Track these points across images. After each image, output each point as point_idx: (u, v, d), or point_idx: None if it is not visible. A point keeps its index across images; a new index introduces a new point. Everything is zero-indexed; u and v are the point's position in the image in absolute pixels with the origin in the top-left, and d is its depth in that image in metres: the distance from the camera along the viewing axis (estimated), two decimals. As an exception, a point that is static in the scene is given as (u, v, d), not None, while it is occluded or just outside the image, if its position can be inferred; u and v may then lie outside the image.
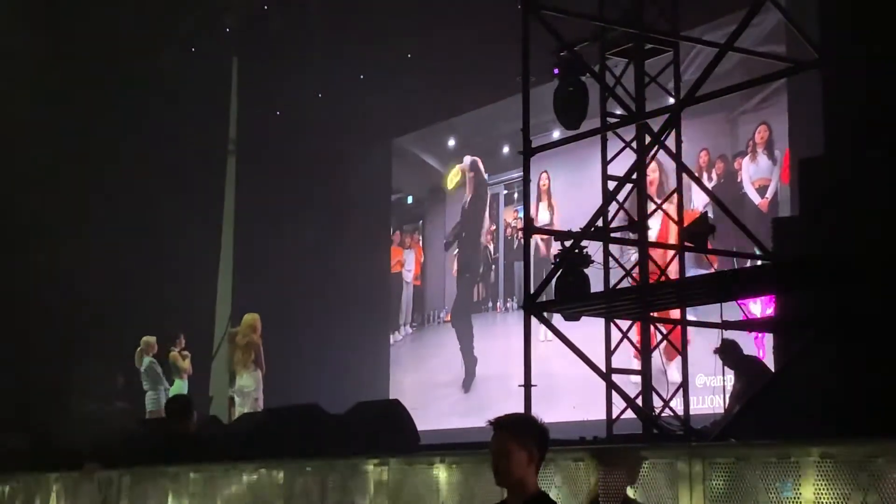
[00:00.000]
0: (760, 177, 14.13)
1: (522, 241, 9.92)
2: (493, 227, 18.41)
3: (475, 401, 17.41)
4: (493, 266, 18.30)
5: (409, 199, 20.17)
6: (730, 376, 10.54)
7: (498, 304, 18.14)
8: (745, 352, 10.56)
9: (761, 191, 14.06)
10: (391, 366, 19.52)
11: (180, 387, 14.68)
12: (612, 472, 5.46)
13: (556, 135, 11.65)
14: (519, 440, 4.69)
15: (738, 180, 14.35)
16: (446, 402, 17.91)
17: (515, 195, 17.73)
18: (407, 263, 19.94)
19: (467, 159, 18.82)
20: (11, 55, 16.50)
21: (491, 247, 18.34)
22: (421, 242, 19.77)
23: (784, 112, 13.75)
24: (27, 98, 16.54)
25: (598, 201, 9.57)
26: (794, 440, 4.89)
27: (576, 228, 9.42)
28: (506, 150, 17.81)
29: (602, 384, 9.37)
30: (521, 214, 16.92)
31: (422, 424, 10.08)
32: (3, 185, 16.60)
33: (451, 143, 19.29)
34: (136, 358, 14.82)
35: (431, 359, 19.00)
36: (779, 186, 13.82)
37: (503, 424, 4.77)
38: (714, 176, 14.45)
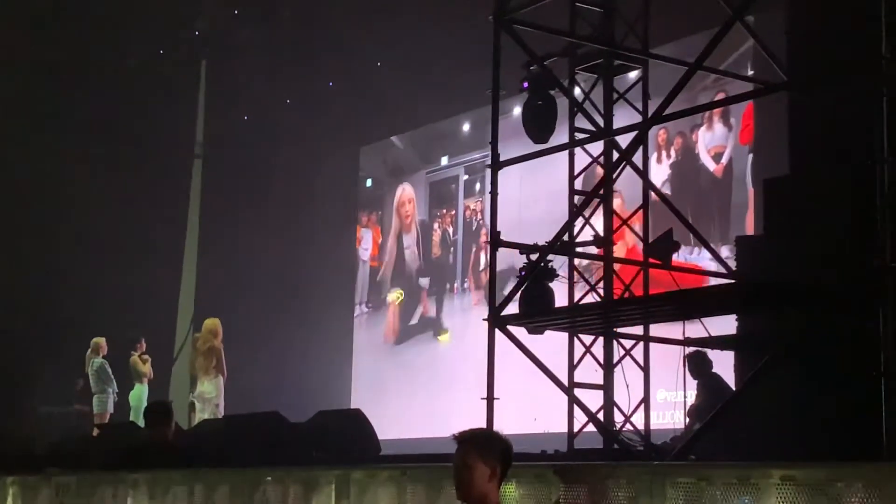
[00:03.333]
0: (716, 144, 14.41)
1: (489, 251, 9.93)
2: (453, 213, 18.54)
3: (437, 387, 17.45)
4: (452, 248, 18.44)
5: (369, 183, 20.27)
6: (691, 391, 10.61)
7: (455, 285, 18.27)
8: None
9: (716, 157, 14.31)
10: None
11: (140, 391, 14.60)
12: (574, 489, 5.47)
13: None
14: (482, 455, 4.70)
15: (696, 152, 14.59)
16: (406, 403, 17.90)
17: (477, 185, 17.88)
18: (364, 242, 20.04)
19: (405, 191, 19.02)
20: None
21: (450, 229, 18.49)
22: (379, 224, 19.85)
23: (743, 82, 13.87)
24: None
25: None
26: (755, 462, 4.92)
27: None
28: (466, 127, 17.98)
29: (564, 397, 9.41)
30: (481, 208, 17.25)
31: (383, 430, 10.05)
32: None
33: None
34: (87, 359, 14.70)
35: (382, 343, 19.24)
36: (735, 150, 14.00)
37: (467, 439, 4.77)
38: (672, 153, 14.66)
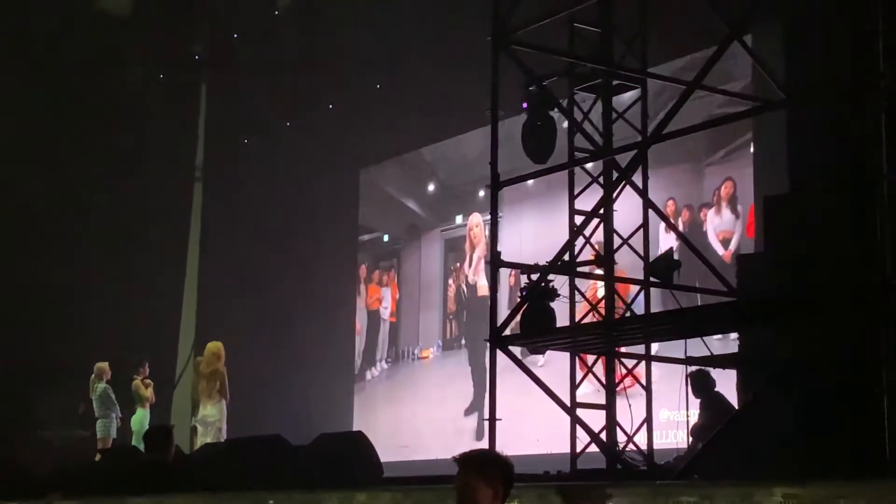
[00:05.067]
0: (724, 229, 14.26)
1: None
2: (468, 266, 18.37)
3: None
4: (467, 305, 18.24)
5: (386, 238, 20.18)
6: (694, 411, 10.59)
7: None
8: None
9: (725, 243, 14.18)
10: (365, 402, 19.36)
11: (143, 415, 14.55)
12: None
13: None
14: (485, 476, 4.68)
15: (704, 229, 14.46)
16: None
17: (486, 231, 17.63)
18: (384, 301, 19.96)
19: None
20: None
21: (464, 286, 18.34)
22: (397, 280, 19.77)
23: (749, 167, 13.90)
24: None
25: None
26: (757, 480, 4.92)
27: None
28: (481, 193, 17.84)
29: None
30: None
31: (385, 452, 10.03)
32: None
33: (431, 187, 19.31)
34: (91, 384, 14.67)
35: (405, 396, 19.00)
36: (742, 240, 13.94)
37: (469, 460, 4.76)
38: (680, 224, 14.53)
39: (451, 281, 18.70)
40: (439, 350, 18.71)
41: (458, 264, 18.55)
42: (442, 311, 18.83)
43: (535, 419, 13.04)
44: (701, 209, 14.56)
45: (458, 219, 18.59)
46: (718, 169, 14.46)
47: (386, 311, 19.85)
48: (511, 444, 9.25)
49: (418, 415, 18.40)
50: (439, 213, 19.06)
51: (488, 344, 9.41)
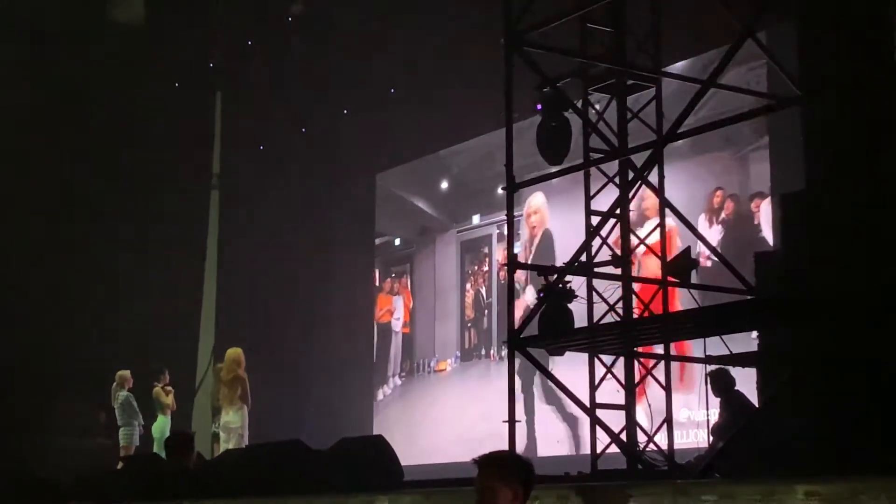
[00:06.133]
0: None
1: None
2: (486, 269, 17.80)
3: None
4: (486, 311, 17.68)
5: (397, 242, 19.61)
6: (714, 410, 10.57)
7: (492, 351, 17.37)
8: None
9: None
10: (378, 422, 18.74)
11: (164, 423, 14.59)
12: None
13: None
14: (505, 478, 4.68)
15: (756, 222, 13.75)
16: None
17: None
18: (396, 311, 19.20)
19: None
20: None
21: (483, 290, 17.75)
22: (409, 287, 19.15)
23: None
24: (10, 132, 16.53)
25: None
26: (778, 477, 4.90)
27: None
28: (499, 191, 17.43)
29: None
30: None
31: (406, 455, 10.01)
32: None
33: (444, 184, 18.73)
34: (112, 392, 14.71)
35: (420, 413, 18.28)
36: None
37: (489, 462, 4.76)
38: (722, 216, 14.06)
39: (468, 286, 18.10)
40: (457, 361, 18.06)
41: (476, 266, 18.03)
42: (459, 318, 18.16)
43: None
44: (753, 199, 13.86)
45: (476, 219, 18.05)
46: (764, 155, 13.70)
47: (398, 323, 19.14)
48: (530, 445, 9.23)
49: (433, 433, 17.69)
50: (454, 213, 18.47)
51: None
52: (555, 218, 16.11)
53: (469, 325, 17.91)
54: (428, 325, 18.70)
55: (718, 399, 10.50)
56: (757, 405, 9.10)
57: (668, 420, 9.76)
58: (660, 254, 9.88)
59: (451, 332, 18.19)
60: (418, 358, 18.70)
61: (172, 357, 16.56)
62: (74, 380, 16.43)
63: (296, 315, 18.97)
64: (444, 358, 18.20)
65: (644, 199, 12.72)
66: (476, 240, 18.04)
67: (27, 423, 16.01)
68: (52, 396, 16.48)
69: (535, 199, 16.41)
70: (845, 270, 7.22)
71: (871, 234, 7.16)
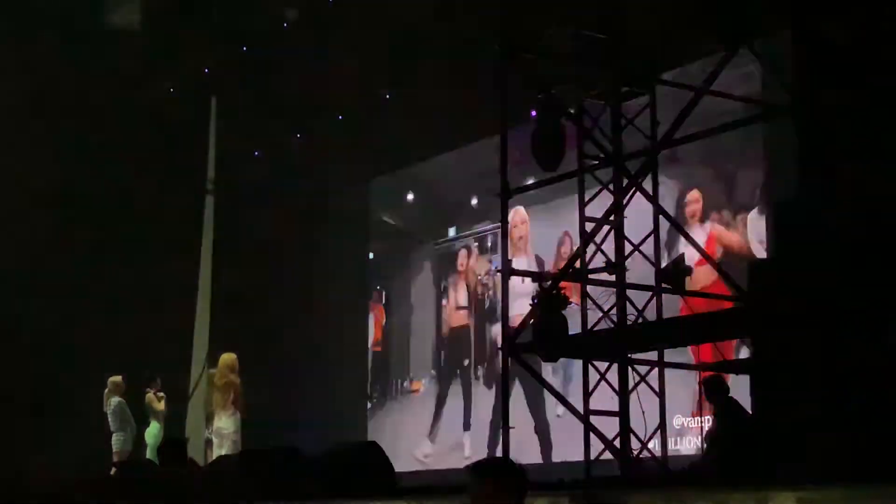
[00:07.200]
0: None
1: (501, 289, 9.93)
2: (463, 282, 17.53)
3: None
4: (466, 324, 17.37)
5: (370, 256, 19.38)
6: (708, 416, 10.57)
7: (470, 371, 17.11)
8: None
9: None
10: (372, 427, 18.68)
11: (157, 429, 14.56)
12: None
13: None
14: (498, 485, 4.68)
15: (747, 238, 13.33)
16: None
17: (489, 243, 16.73)
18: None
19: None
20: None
21: (464, 301, 17.41)
22: (382, 302, 18.87)
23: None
24: (3, 136, 16.51)
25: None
26: (771, 484, 4.91)
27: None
28: (474, 201, 17.11)
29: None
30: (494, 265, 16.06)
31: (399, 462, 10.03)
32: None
33: (410, 196, 18.64)
34: (105, 398, 14.68)
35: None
36: None
37: (482, 469, 4.76)
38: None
39: (444, 301, 17.82)
40: (433, 381, 17.80)
41: (453, 281, 17.62)
42: (435, 335, 17.89)
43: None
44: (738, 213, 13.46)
45: (451, 231, 17.82)
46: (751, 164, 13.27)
47: (369, 340, 18.95)
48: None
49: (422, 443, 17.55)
50: (430, 227, 18.25)
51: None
52: (533, 229, 16.03)
53: (446, 341, 17.62)
54: (402, 344, 18.44)
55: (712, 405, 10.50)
56: (750, 411, 9.11)
57: (662, 426, 9.78)
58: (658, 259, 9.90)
59: (426, 349, 18.02)
60: (393, 377, 18.52)
61: (167, 363, 16.53)
62: (67, 386, 16.38)
63: (290, 320, 18.94)
64: (418, 377, 18.03)
65: (686, 204, 12.82)
66: (453, 254, 17.77)
67: (19, 430, 15.97)
68: (45, 403, 16.44)
69: (520, 212, 16.07)
70: (839, 278, 7.23)
71: (866, 241, 7.17)
